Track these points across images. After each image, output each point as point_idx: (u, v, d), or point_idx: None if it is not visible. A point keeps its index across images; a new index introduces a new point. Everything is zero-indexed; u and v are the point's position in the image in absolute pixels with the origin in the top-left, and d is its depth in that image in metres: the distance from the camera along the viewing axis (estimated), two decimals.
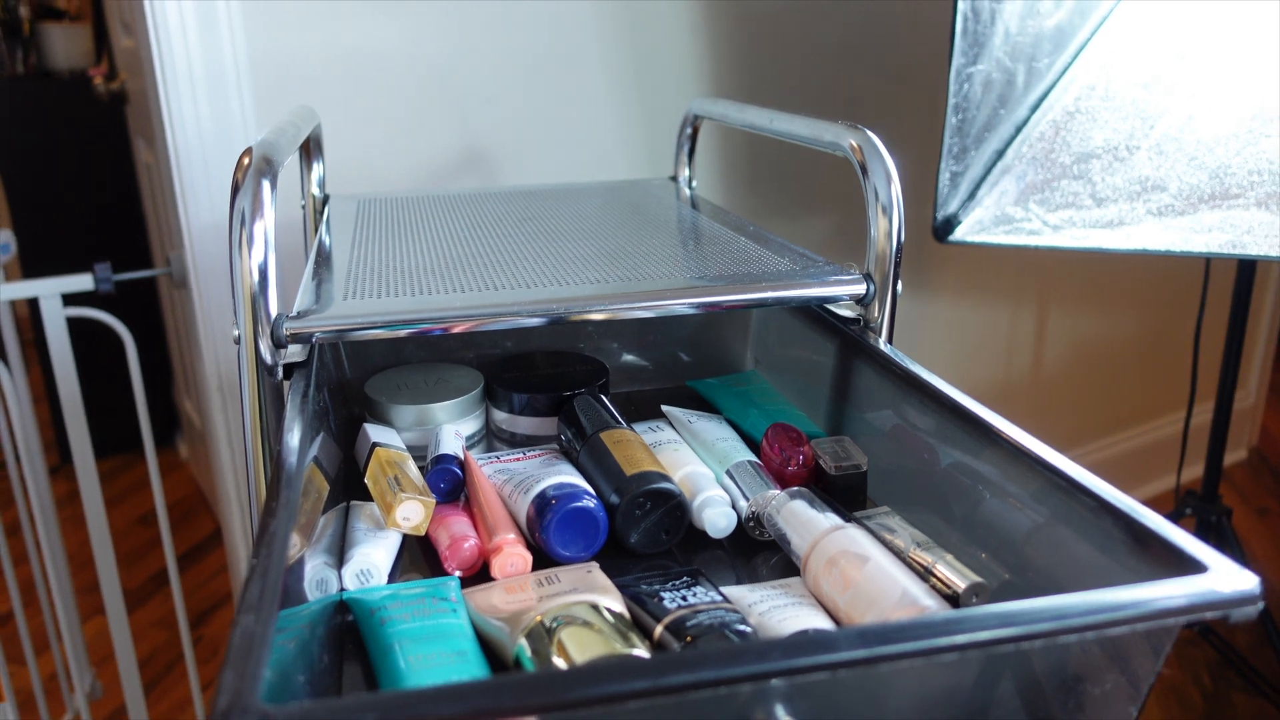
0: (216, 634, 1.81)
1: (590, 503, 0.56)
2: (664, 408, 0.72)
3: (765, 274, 0.62)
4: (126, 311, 1.41)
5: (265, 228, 0.51)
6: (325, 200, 0.94)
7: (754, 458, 0.64)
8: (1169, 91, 1.16)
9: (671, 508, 0.57)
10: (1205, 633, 1.56)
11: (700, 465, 0.62)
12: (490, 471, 0.63)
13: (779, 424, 0.64)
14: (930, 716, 0.39)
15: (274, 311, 0.52)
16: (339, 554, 0.56)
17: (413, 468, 0.60)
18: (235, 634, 0.33)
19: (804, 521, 0.54)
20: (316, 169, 0.92)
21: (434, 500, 0.57)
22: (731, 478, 0.61)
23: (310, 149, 0.91)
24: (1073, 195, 1.16)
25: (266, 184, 0.51)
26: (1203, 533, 1.57)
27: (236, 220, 0.51)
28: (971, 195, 1.18)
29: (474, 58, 1.21)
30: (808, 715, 0.36)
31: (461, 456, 0.63)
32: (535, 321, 0.56)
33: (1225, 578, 0.37)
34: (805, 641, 0.34)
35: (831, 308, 0.65)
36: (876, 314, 0.61)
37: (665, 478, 0.58)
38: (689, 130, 1.01)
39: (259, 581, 0.36)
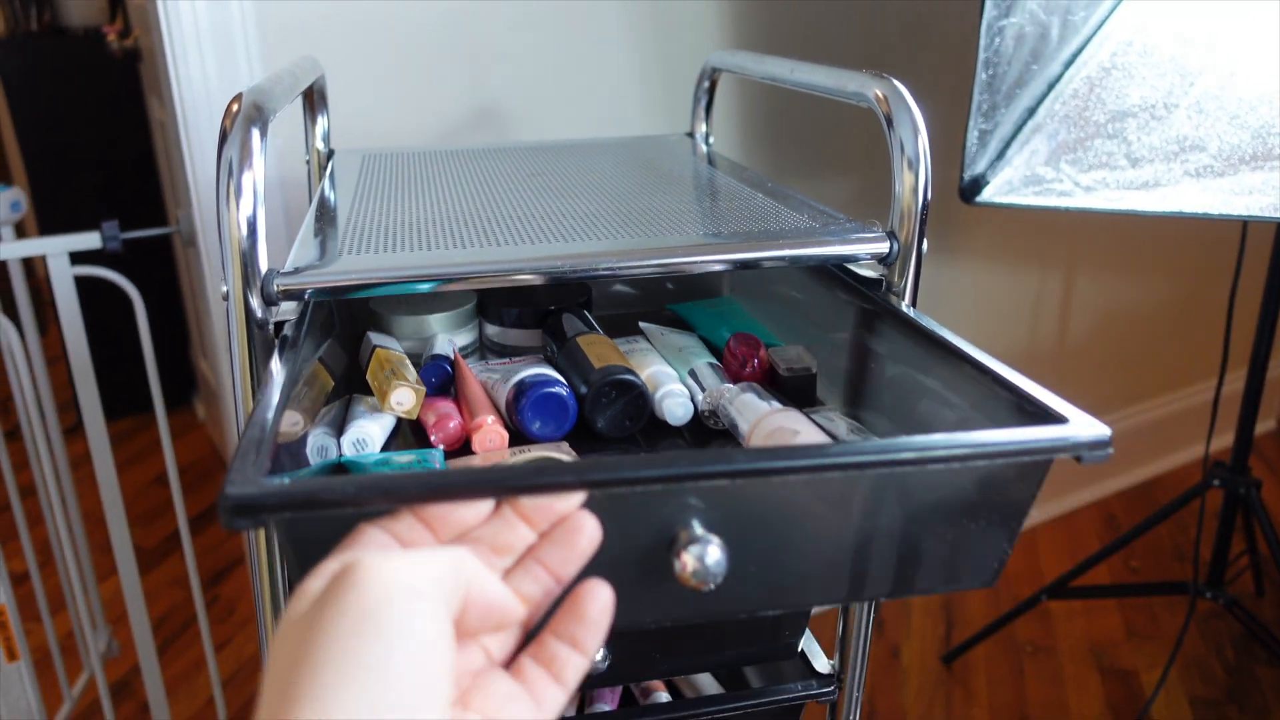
0: (232, 593, 1.82)
1: (562, 390, 0.62)
2: (641, 324, 0.77)
3: (783, 231, 0.59)
4: (142, 271, 1.39)
5: (254, 178, 0.48)
6: (330, 155, 0.91)
7: (716, 361, 0.70)
8: (1210, 48, 1.10)
9: (634, 397, 0.64)
10: (1230, 605, 1.53)
11: (665, 365, 0.68)
12: (477, 370, 0.70)
13: (740, 333, 0.69)
14: (828, 537, 0.46)
15: (264, 267, 0.49)
16: (339, 429, 0.63)
17: (409, 365, 0.66)
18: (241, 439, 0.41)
19: (752, 408, 0.61)
20: (321, 122, 0.89)
21: (424, 389, 0.62)
22: (693, 376, 0.68)
23: (314, 101, 0.88)
24: (1106, 155, 1.11)
25: (256, 132, 0.48)
26: (1231, 505, 1.53)
27: (224, 170, 0.48)
28: (1000, 154, 1.13)
29: (486, 12, 1.18)
30: (721, 527, 0.42)
31: (452, 357, 0.70)
32: (538, 279, 0.53)
33: (1082, 428, 0.44)
34: (709, 454, 0.41)
35: (852, 268, 0.62)
36: (899, 275, 0.57)
37: (630, 371, 0.64)
38: (706, 84, 0.97)
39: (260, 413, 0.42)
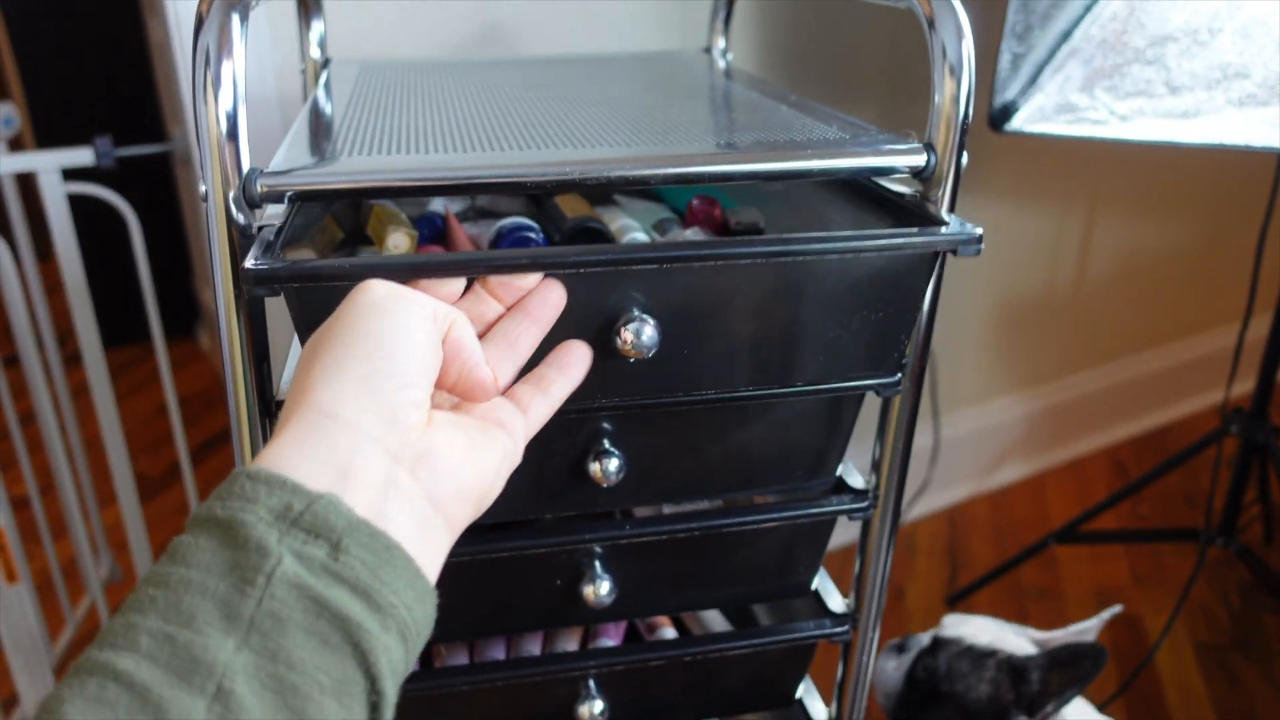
0: None
1: (535, 235, 0.66)
2: (616, 196, 0.78)
3: (811, 142, 0.55)
4: (142, 197, 1.34)
5: (235, 69, 0.44)
6: (325, 64, 0.86)
7: (677, 218, 0.75)
8: None
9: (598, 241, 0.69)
10: (1241, 553, 1.51)
11: (631, 220, 0.72)
12: (467, 227, 0.73)
13: (701, 195, 0.72)
14: (747, 322, 0.54)
15: (246, 165, 0.45)
16: None
17: (404, 217, 0.68)
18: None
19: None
20: (316, 27, 0.84)
21: (418, 234, 0.65)
22: (656, 229, 0.72)
23: (309, 4, 0.83)
24: (1145, 82, 1.06)
25: (236, 17, 0.44)
26: (1247, 453, 1.50)
27: (200, 60, 0.44)
28: (1033, 80, 1.08)
29: None
30: (655, 311, 0.51)
31: (444, 214, 0.73)
32: (546, 185, 0.49)
33: (958, 228, 0.53)
34: (641, 245, 0.56)
35: (884, 182, 0.58)
36: (936, 189, 0.53)
37: (598, 220, 0.68)
38: None
39: None
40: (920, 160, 0.53)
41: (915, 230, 0.53)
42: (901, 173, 0.53)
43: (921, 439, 1.68)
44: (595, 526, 0.61)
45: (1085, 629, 0.97)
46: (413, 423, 0.38)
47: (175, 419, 1.32)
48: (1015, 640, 0.96)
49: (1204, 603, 1.62)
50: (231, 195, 0.45)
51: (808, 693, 0.74)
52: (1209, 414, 2.15)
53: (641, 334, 0.50)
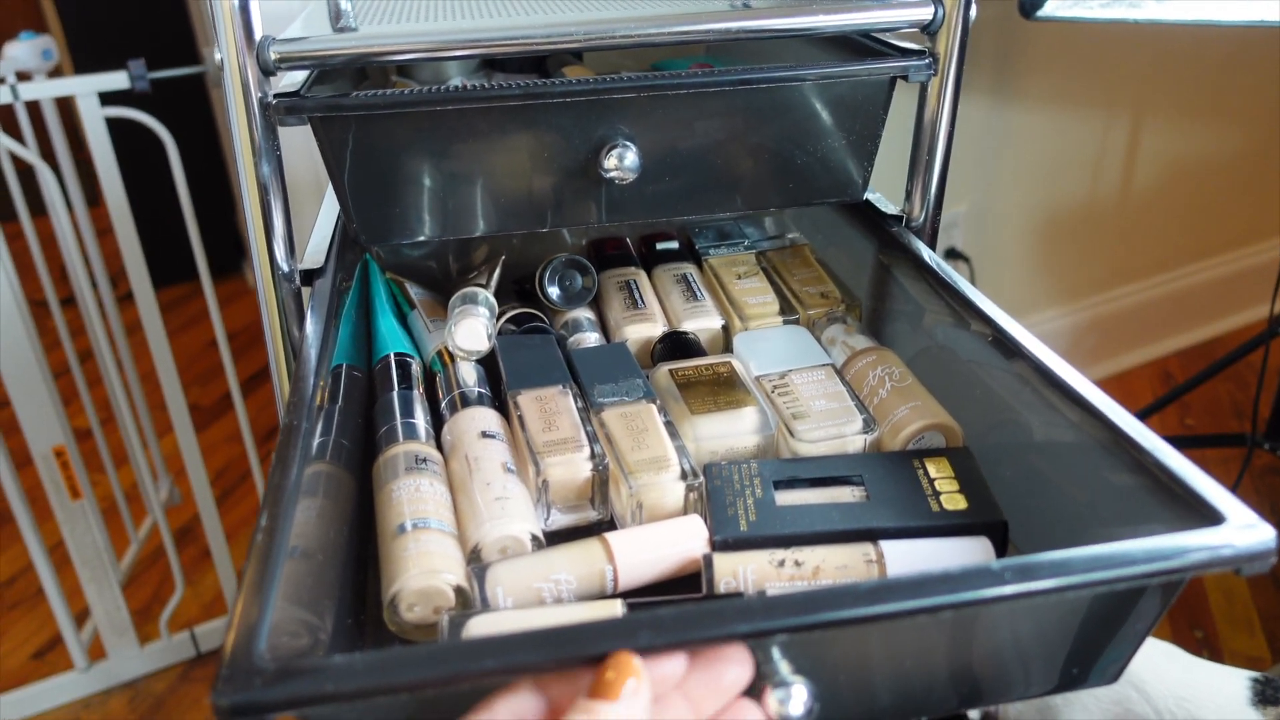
0: None
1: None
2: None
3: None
4: (184, 130, 1.36)
5: None
6: None
7: None
8: None
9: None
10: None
11: None
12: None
13: (700, 63, 0.72)
14: (722, 153, 0.58)
15: (259, 32, 0.46)
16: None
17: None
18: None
19: None
20: None
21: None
22: None
23: None
24: None
25: None
26: None
27: None
28: None
29: None
30: (637, 140, 0.55)
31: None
32: (551, 47, 0.50)
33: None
34: (621, 77, 0.54)
35: (887, 39, 0.58)
36: (944, 45, 0.53)
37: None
38: None
39: None
40: (927, 14, 0.52)
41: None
42: (908, 27, 0.53)
43: None
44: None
45: None
46: None
47: (225, 353, 1.37)
48: None
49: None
50: (249, 66, 0.47)
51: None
52: (1259, 326, 2.10)
53: (624, 159, 0.54)
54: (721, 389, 0.54)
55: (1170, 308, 2.00)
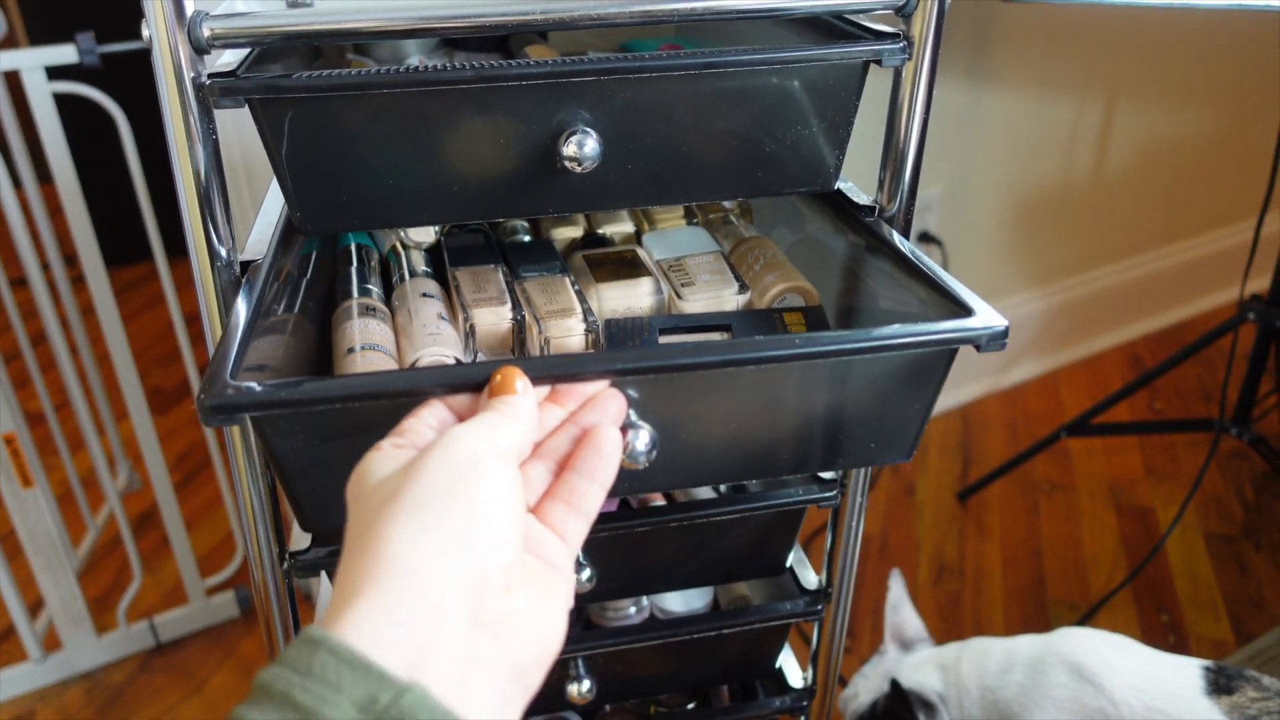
0: None
1: None
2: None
3: None
4: (147, 106, 1.31)
5: None
6: None
7: None
8: None
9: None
10: (1255, 442, 1.50)
11: None
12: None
13: (669, 43, 0.74)
14: (687, 137, 0.56)
15: (191, 7, 0.43)
16: None
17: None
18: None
19: None
20: None
21: None
22: None
23: None
24: None
25: None
26: (1264, 342, 1.47)
27: None
28: None
29: None
30: (598, 126, 0.53)
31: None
32: (510, 27, 0.47)
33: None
34: (580, 59, 0.52)
35: (861, 20, 0.55)
36: (920, 28, 0.51)
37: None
38: None
39: None
40: None
41: (839, 44, 0.53)
42: (882, 9, 0.51)
43: None
44: None
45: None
46: (499, 586, 0.36)
47: (182, 335, 1.33)
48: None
49: (1217, 494, 1.61)
50: (179, 43, 0.44)
51: (798, 562, 0.75)
52: (1228, 310, 2.11)
53: (585, 146, 0.52)
54: (625, 268, 0.66)
55: (1141, 291, 2.01)
